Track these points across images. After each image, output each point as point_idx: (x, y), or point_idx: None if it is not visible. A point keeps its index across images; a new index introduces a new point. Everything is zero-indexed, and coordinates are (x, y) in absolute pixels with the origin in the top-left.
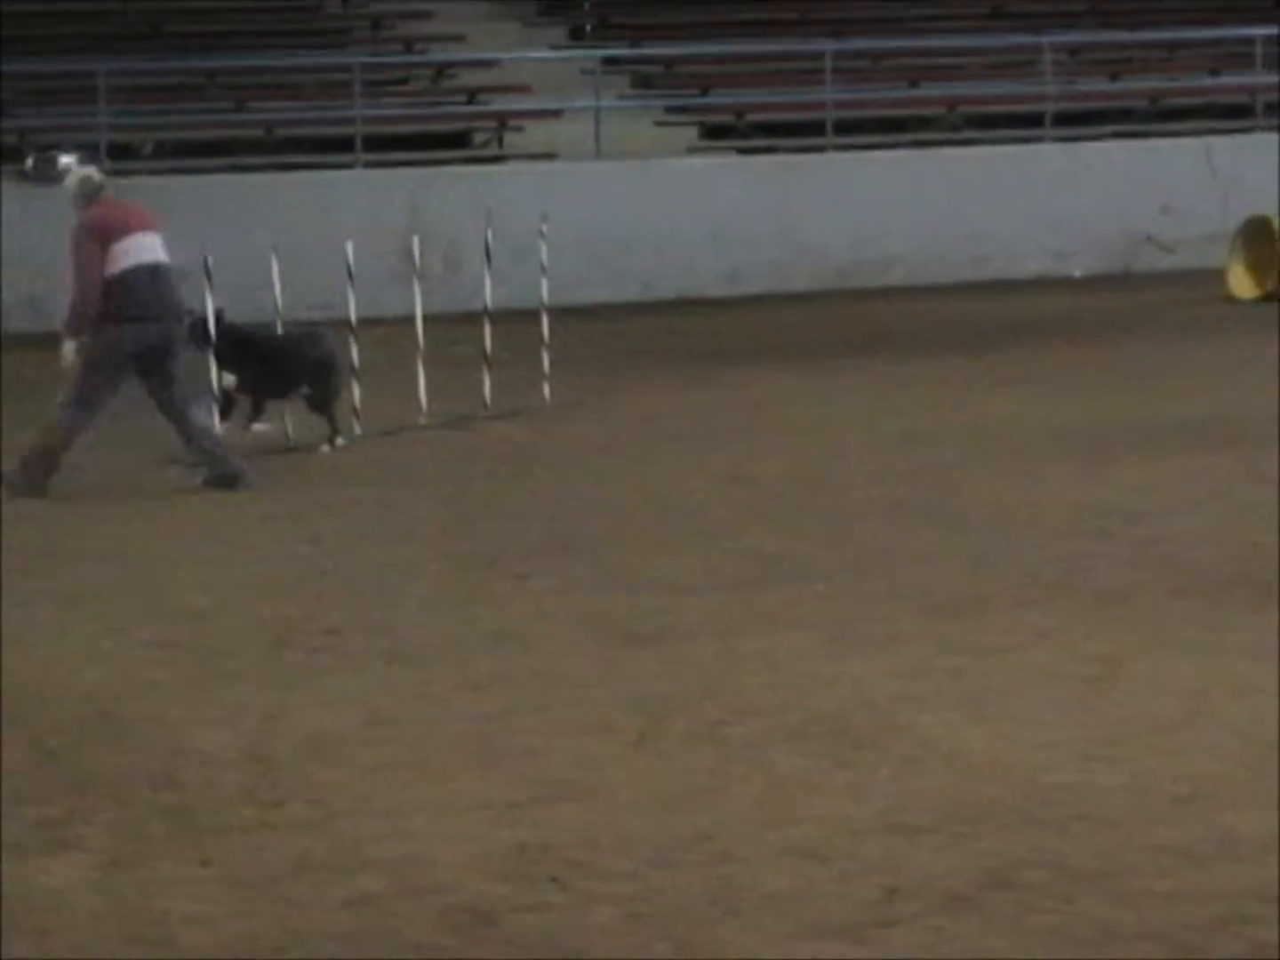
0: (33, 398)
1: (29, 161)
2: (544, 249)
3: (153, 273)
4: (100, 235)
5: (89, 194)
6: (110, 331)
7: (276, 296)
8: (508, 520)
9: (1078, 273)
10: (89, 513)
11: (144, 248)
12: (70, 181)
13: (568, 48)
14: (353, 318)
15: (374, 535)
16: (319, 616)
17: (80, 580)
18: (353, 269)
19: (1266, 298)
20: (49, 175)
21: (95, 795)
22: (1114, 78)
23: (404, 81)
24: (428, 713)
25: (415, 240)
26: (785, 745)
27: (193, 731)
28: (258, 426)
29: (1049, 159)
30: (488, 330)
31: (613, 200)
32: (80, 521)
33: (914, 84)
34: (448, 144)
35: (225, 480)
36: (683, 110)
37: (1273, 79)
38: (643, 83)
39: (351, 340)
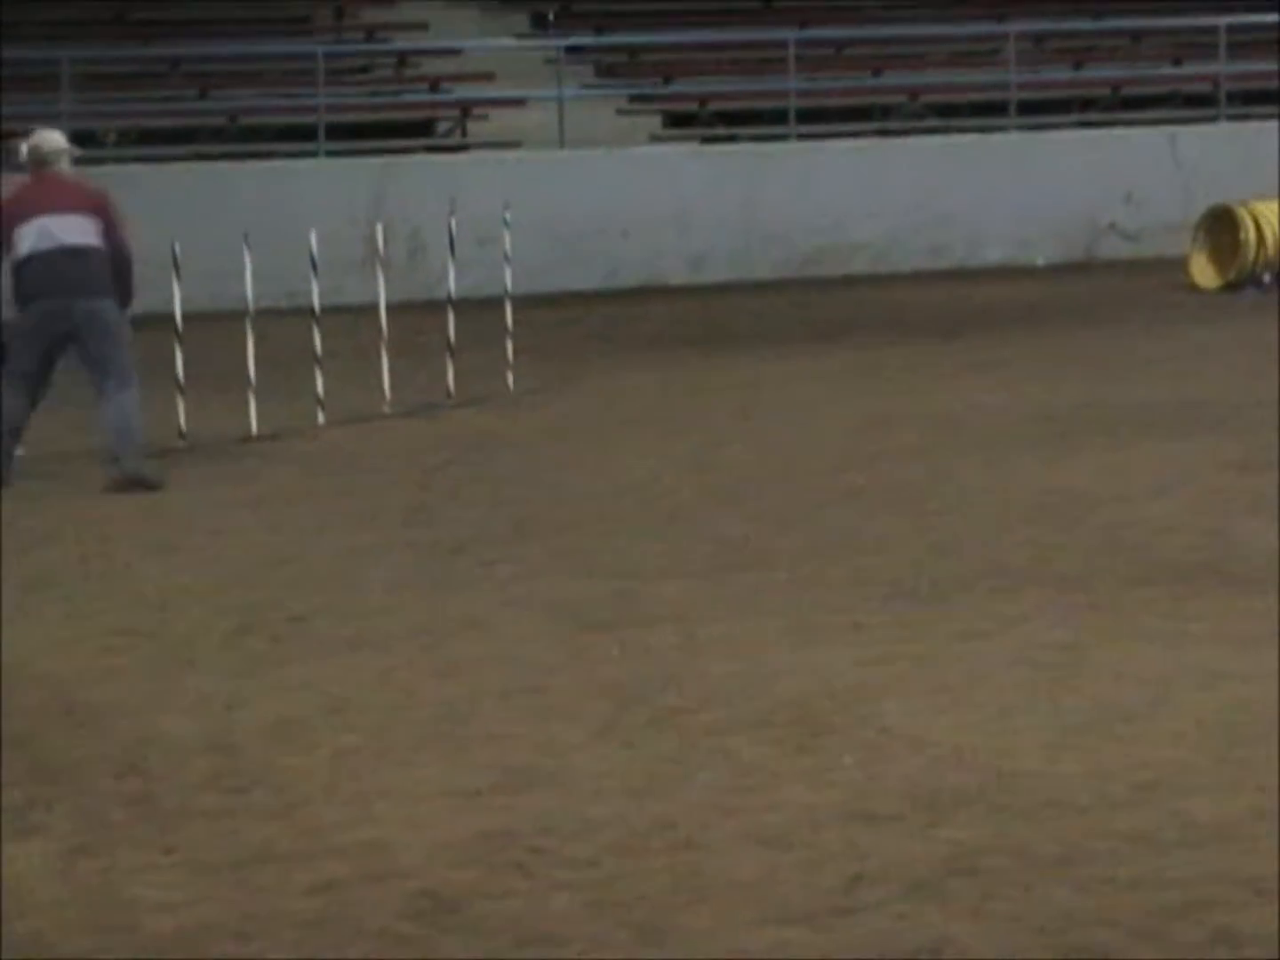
0: None
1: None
2: (507, 237)
3: (54, 256)
4: (6, 214)
5: (33, 161)
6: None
7: (248, 285)
8: (472, 507)
9: (1040, 261)
10: (50, 500)
11: (46, 233)
12: (24, 144)
13: (531, 36)
14: (316, 306)
15: (338, 522)
16: (282, 603)
17: (42, 567)
18: (316, 257)
19: (1229, 286)
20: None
21: (57, 782)
22: (1077, 66)
23: (367, 70)
24: (391, 699)
25: (379, 228)
26: (748, 732)
27: (155, 718)
28: None
29: (1012, 147)
30: (451, 318)
31: (576, 188)
32: (41, 508)
33: (877, 72)
34: (411, 132)
35: None
36: (646, 99)
37: (1236, 68)
38: (606, 71)
39: (315, 328)
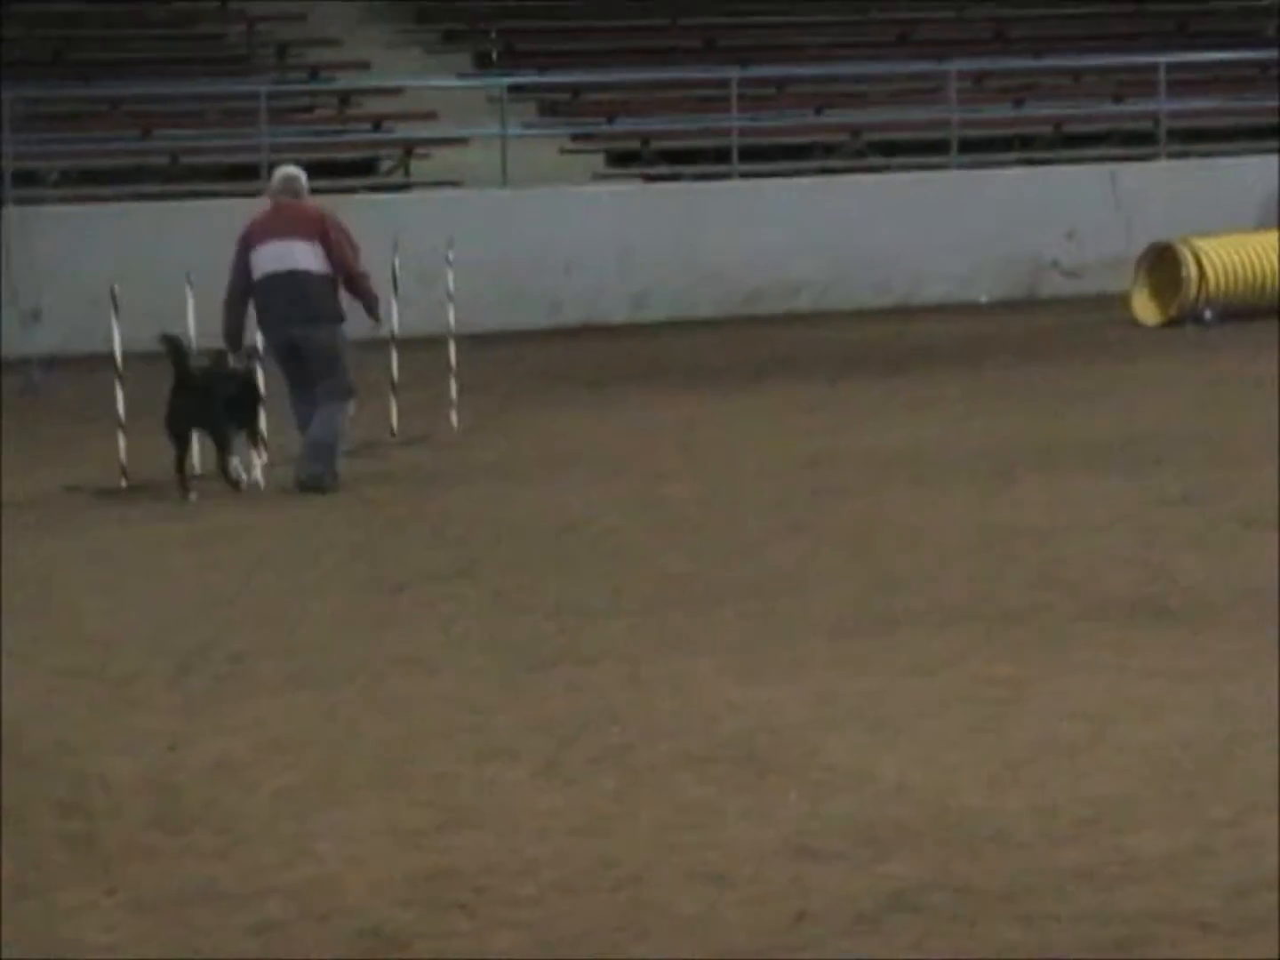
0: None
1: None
2: (450, 275)
3: (275, 282)
4: (243, 241)
5: (273, 191)
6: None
7: (190, 325)
8: (414, 545)
9: (983, 298)
10: None
11: (270, 258)
12: (275, 174)
13: (474, 75)
14: (260, 346)
15: (280, 561)
16: (224, 642)
17: None
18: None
19: (1170, 323)
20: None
21: None
22: (1018, 104)
23: (310, 109)
24: (333, 738)
25: None
26: (692, 770)
27: (98, 758)
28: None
29: (953, 185)
30: (394, 357)
31: (519, 227)
32: None
33: (819, 110)
34: (354, 171)
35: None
36: (589, 137)
37: (1176, 106)
38: (549, 110)
39: (258, 368)
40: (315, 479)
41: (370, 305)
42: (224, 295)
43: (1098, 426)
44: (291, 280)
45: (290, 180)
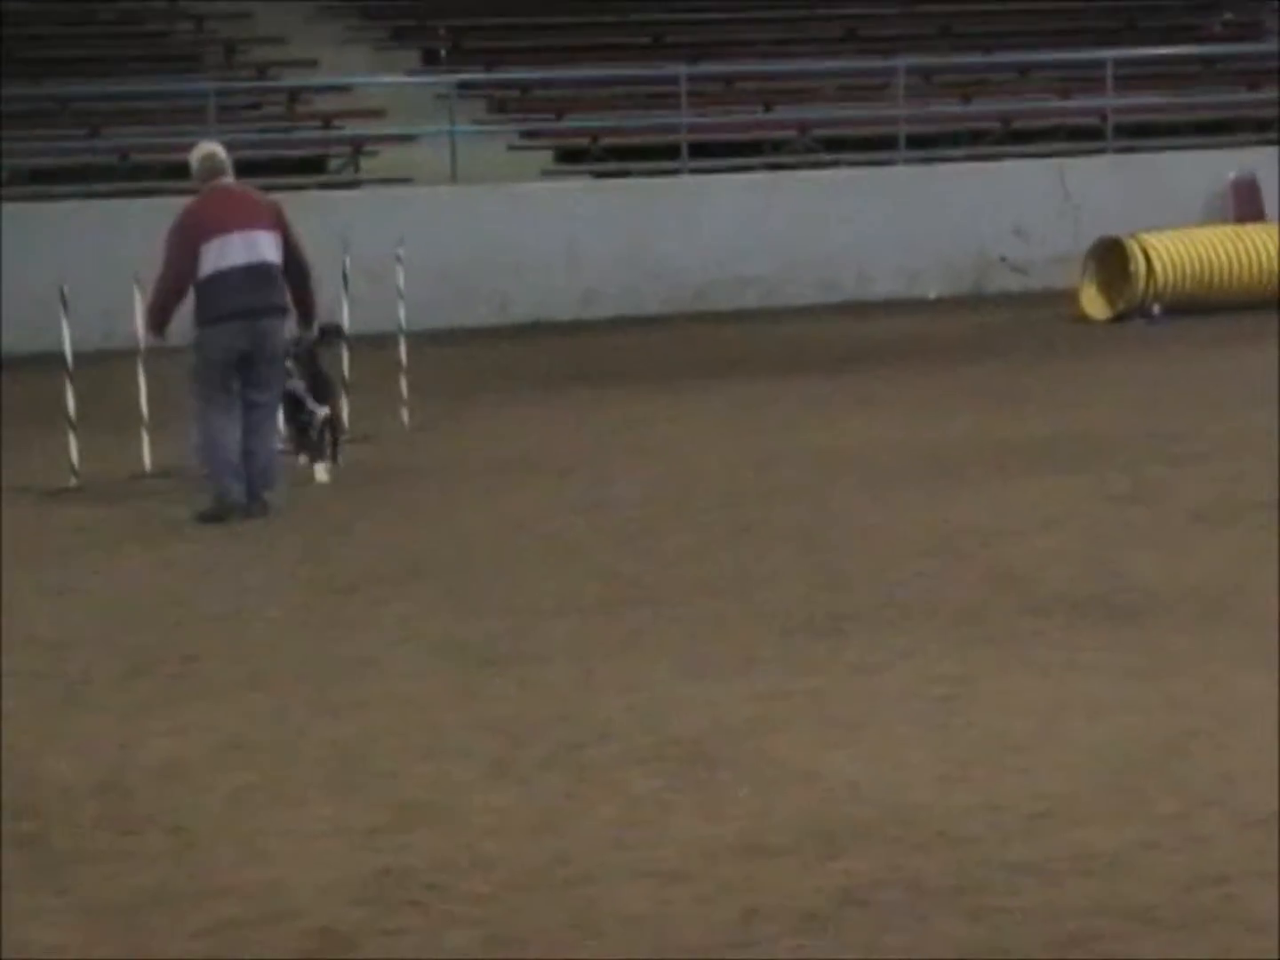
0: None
1: None
2: (400, 273)
3: (245, 274)
4: (190, 230)
5: (204, 173)
6: (201, 335)
7: (139, 323)
8: (364, 546)
9: (931, 294)
10: None
11: (237, 249)
12: (193, 156)
13: (422, 73)
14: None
15: (230, 561)
16: (175, 644)
17: None
18: None
19: (1118, 318)
20: None
21: None
22: (966, 100)
23: (258, 107)
24: (285, 738)
25: None
26: (642, 768)
27: (48, 760)
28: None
29: (902, 181)
30: (345, 355)
31: (468, 224)
32: None
33: (767, 107)
34: (302, 169)
35: (214, 514)
36: (537, 134)
37: (1123, 101)
38: (497, 107)
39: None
40: (266, 508)
41: (312, 307)
42: (157, 287)
43: (1045, 423)
44: (262, 274)
45: (221, 160)
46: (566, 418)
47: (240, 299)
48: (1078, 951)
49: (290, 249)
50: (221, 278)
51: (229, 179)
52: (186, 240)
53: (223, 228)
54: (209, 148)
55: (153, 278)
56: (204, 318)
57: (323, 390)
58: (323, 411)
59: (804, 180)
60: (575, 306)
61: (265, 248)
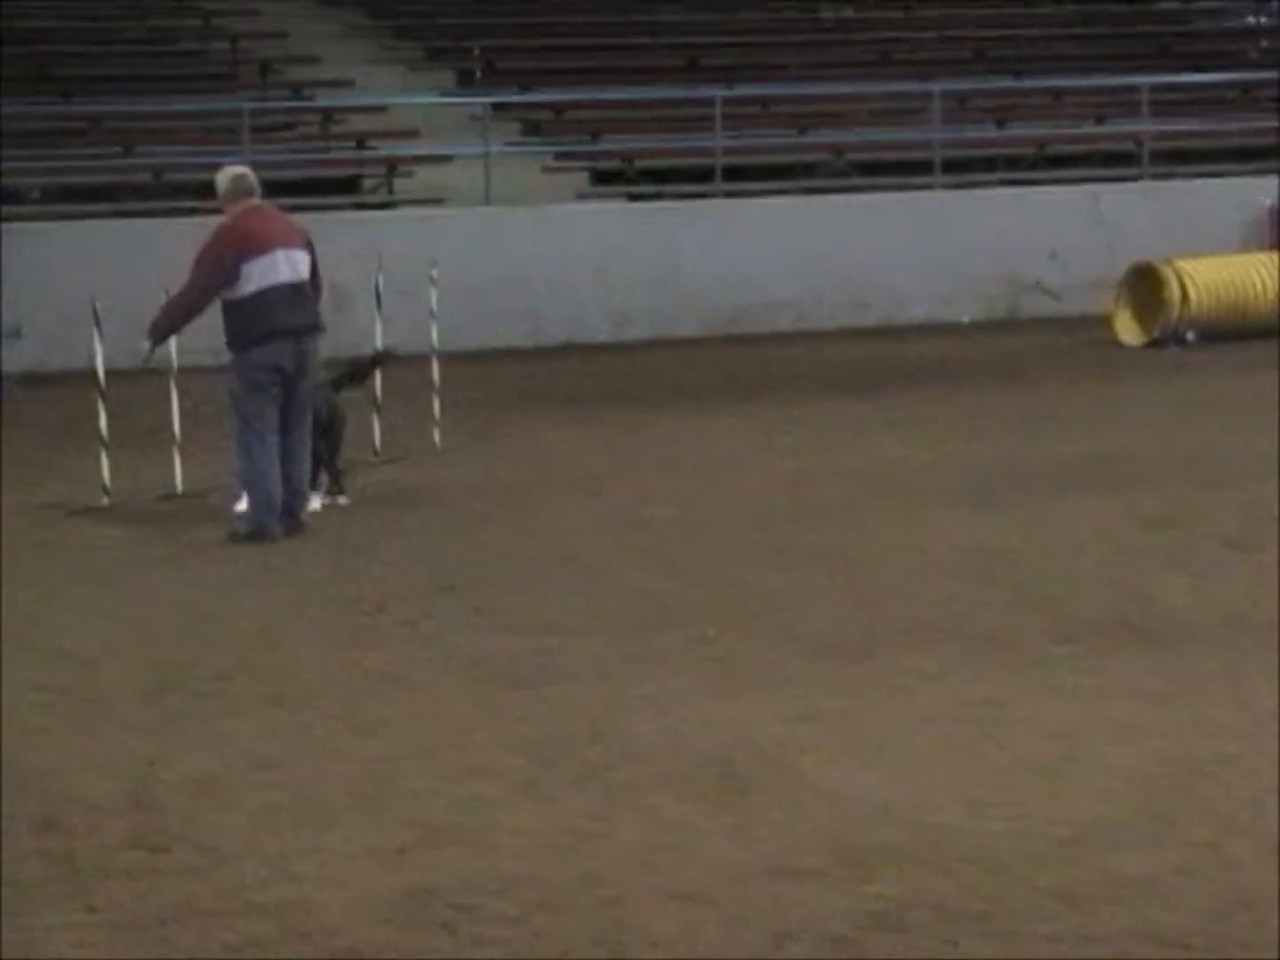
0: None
1: None
2: (433, 294)
3: (290, 292)
4: (231, 247)
5: (234, 194)
6: (244, 357)
7: (171, 342)
8: (394, 564)
9: (964, 318)
10: None
11: (281, 267)
12: (222, 177)
13: (457, 93)
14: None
15: (261, 579)
16: (205, 661)
17: None
18: None
19: (1152, 344)
20: None
21: None
22: (1001, 124)
23: (292, 126)
24: (313, 757)
25: None
26: (671, 789)
27: (76, 776)
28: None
29: (936, 205)
30: (377, 375)
31: (501, 245)
32: None
33: (802, 130)
34: (336, 189)
35: (247, 539)
36: (571, 156)
37: (1158, 127)
38: (531, 128)
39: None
40: (301, 526)
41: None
42: (177, 302)
43: (1077, 447)
44: (303, 292)
45: (251, 181)
46: (598, 438)
47: (286, 317)
48: None
49: (314, 272)
50: (266, 296)
51: (258, 200)
52: (227, 257)
53: (268, 245)
54: (238, 169)
55: (176, 291)
56: (249, 338)
57: (324, 420)
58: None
59: (838, 203)
60: (608, 328)
61: (303, 267)
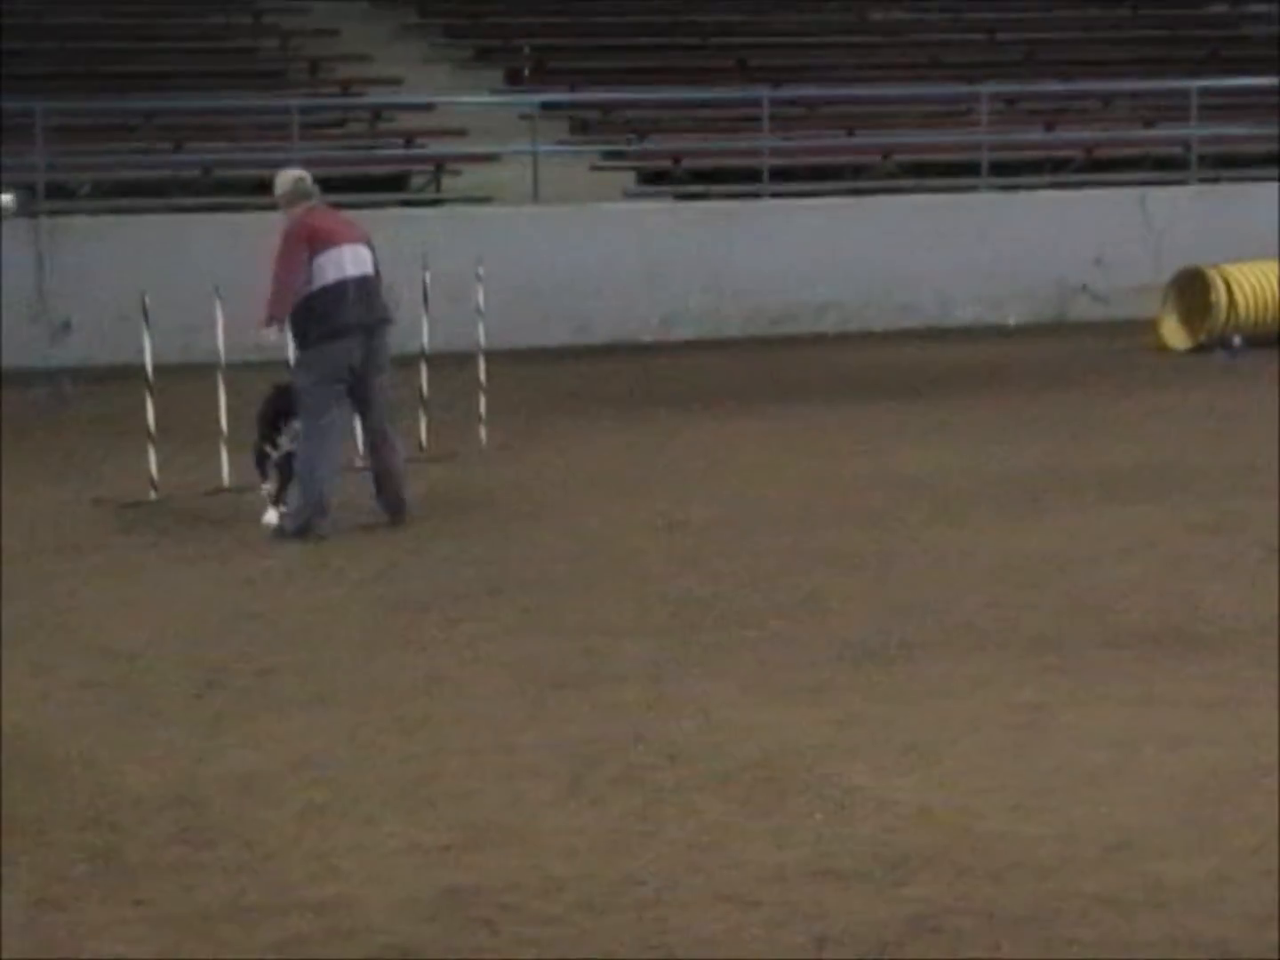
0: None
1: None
2: (480, 292)
3: (358, 286)
4: (307, 240)
5: (296, 196)
6: (313, 352)
7: (219, 338)
8: (440, 563)
9: (1011, 321)
10: (15, 552)
11: (350, 261)
12: (282, 179)
13: (505, 92)
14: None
15: (305, 577)
16: (250, 658)
17: (7, 619)
18: None
19: (1199, 348)
20: None
21: (22, 835)
22: (1049, 128)
23: (341, 124)
24: (358, 755)
25: None
26: (714, 791)
27: (122, 772)
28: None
29: (984, 208)
30: (424, 373)
31: (549, 244)
32: (6, 561)
33: (850, 132)
34: (385, 187)
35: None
36: (619, 155)
37: (1207, 131)
38: (580, 127)
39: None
40: (404, 511)
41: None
42: (277, 283)
43: (1124, 453)
44: (371, 286)
45: (304, 181)
46: (644, 439)
47: (355, 312)
48: None
49: (376, 270)
50: (333, 291)
51: (316, 201)
52: (301, 248)
53: (334, 241)
54: (297, 171)
55: (267, 280)
56: (319, 332)
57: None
58: (283, 450)
59: (885, 205)
60: (654, 328)
61: (368, 262)
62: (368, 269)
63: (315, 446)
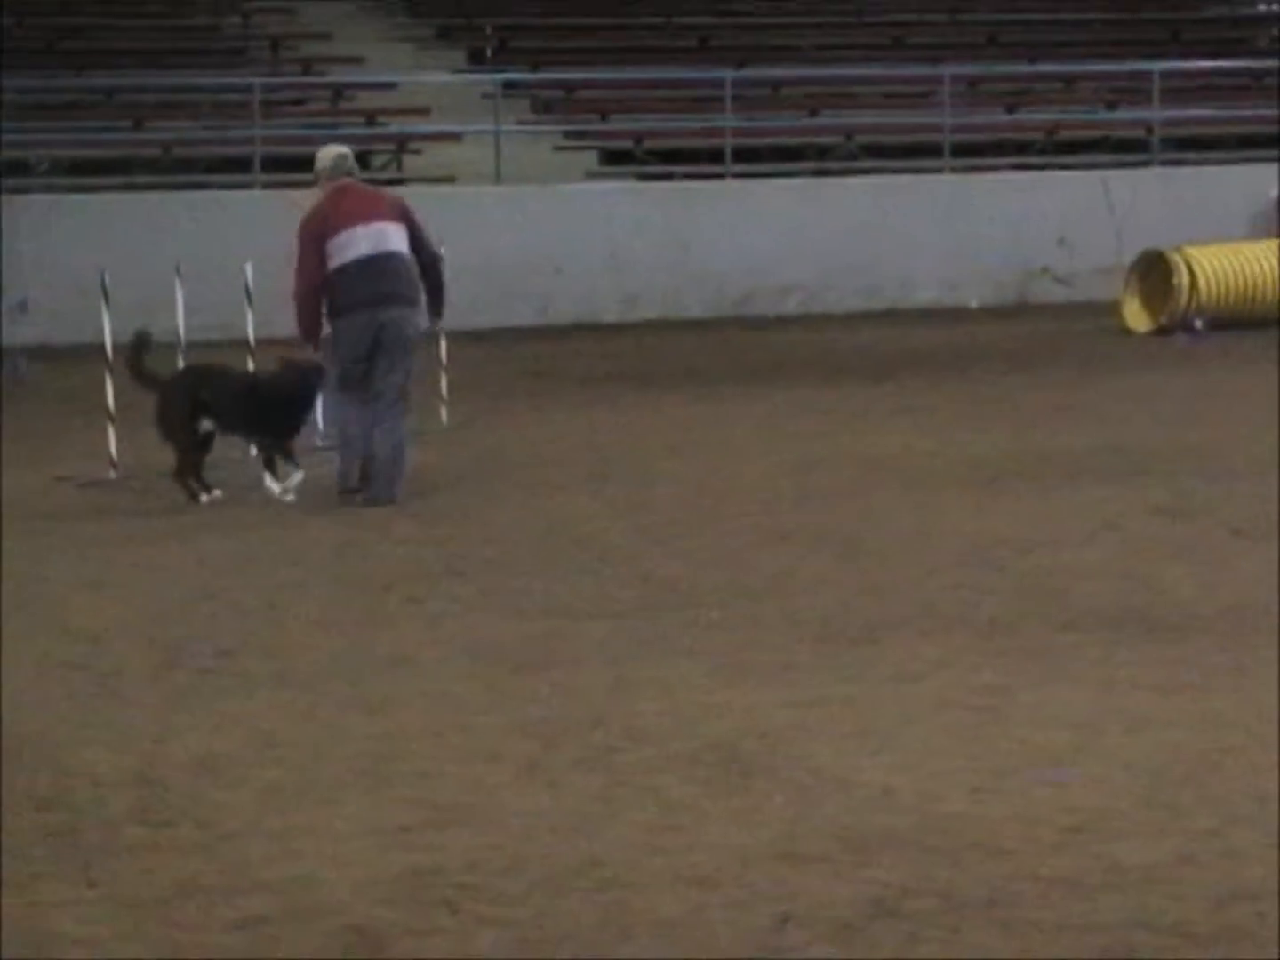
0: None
1: None
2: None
3: (369, 264)
4: (315, 234)
5: (336, 172)
6: (333, 329)
7: (179, 317)
8: (400, 543)
9: (973, 303)
10: None
11: (363, 241)
12: (324, 154)
13: (468, 71)
14: (251, 338)
15: (266, 557)
16: (210, 638)
17: None
18: (251, 289)
19: (1161, 331)
20: None
21: None
22: (1011, 110)
23: (302, 102)
24: (318, 735)
25: None
26: (676, 772)
27: (80, 752)
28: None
29: (946, 189)
30: None
31: (511, 224)
32: None
33: (813, 113)
34: None
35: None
36: (582, 135)
37: (1169, 114)
38: (542, 107)
39: (250, 361)
40: (392, 500)
41: (440, 296)
42: (298, 292)
43: (1085, 435)
44: (387, 262)
45: (346, 159)
46: (606, 420)
47: (365, 289)
48: None
49: (416, 240)
50: (347, 270)
51: (349, 179)
52: (313, 239)
53: (348, 221)
54: (342, 148)
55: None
56: (333, 311)
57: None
58: (203, 430)
59: (848, 187)
60: (617, 308)
61: (391, 238)
62: (388, 247)
63: (342, 417)
